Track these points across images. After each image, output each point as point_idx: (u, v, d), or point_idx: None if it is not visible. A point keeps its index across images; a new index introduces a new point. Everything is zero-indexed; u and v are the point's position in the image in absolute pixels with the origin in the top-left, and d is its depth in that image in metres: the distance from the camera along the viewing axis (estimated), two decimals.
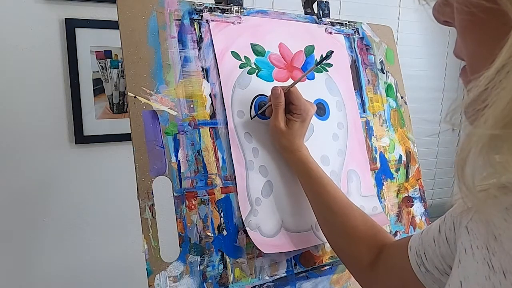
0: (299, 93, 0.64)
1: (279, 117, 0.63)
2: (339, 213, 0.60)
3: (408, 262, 0.48)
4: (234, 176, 0.62)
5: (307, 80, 0.73)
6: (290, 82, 0.71)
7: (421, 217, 0.84)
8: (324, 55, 0.62)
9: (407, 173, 0.84)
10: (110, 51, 1.12)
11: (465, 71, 0.31)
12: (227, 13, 0.67)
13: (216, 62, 0.64)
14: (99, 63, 1.11)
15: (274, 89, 0.63)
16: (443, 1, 0.31)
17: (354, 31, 0.82)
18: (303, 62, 0.74)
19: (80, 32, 1.08)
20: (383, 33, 0.87)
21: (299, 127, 0.64)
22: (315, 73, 0.75)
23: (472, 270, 0.34)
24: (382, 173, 0.80)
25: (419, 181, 0.86)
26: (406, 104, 0.87)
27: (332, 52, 0.60)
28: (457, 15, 0.29)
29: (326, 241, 0.64)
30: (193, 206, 0.59)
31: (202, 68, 0.63)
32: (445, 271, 0.44)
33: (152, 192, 0.56)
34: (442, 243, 0.44)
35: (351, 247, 0.59)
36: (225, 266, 0.60)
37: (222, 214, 0.61)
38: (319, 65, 0.63)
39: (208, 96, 0.63)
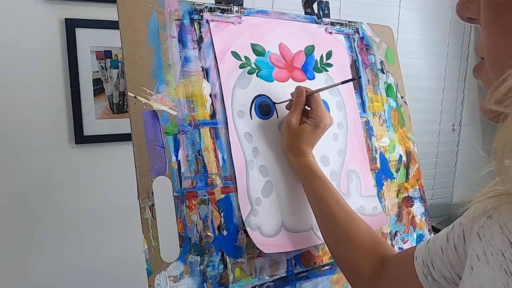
0: (321, 101, 0.65)
1: (294, 114, 0.64)
2: (341, 221, 0.59)
3: (414, 273, 0.48)
4: (234, 176, 0.62)
5: (307, 80, 0.73)
6: (290, 82, 0.71)
7: (421, 217, 0.84)
8: (350, 78, 0.66)
9: (407, 173, 0.84)
10: (110, 51, 1.12)
11: (480, 67, 0.32)
12: (227, 13, 0.67)
13: (216, 62, 0.64)
14: (99, 63, 1.11)
15: (298, 87, 0.65)
16: None
17: (354, 31, 0.82)
18: (303, 62, 0.74)
19: (80, 32, 1.08)
20: (383, 33, 0.87)
21: (310, 131, 0.64)
22: (315, 73, 0.75)
23: (487, 277, 0.33)
24: (382, 173, 0.80)
25: (419, 181, 0.86)
26: (406, 104, 0.87)
27: (360, 77, 0.61)
28: (484, 6, 0.30)
29: None
30: (193, 206, 0.58)
31: (202, 68, 0.63)
32: (453, 280, 0.44)
33: (152, 192, 0.55)
34: (450, 251, 0.43)
35: (353, 256, 0.58)
36: (225, 266, 0.60)
37: (222, 214, 0.61)
38: (343, 83, 0.65)
39: (208, 96, 0.63)
